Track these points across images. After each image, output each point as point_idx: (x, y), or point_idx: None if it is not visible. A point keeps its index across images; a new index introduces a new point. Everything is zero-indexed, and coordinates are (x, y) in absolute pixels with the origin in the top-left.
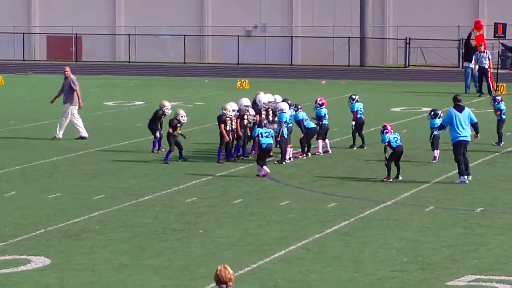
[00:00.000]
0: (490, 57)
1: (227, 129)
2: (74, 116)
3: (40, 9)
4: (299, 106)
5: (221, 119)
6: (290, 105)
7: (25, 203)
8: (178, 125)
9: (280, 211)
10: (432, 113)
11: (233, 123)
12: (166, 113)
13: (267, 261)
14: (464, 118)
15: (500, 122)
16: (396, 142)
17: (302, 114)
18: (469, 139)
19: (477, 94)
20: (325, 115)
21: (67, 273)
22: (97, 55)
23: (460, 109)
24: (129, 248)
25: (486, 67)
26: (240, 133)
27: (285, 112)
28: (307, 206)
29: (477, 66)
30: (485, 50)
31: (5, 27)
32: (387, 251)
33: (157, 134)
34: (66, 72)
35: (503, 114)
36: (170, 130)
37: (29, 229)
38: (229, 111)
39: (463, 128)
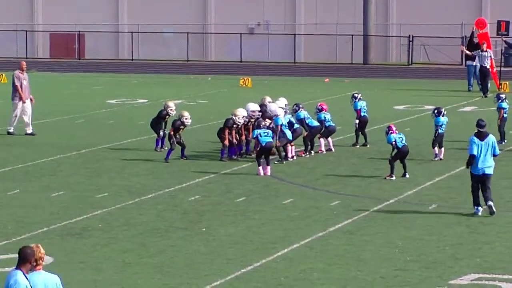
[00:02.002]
0: (492, 56)
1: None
2: (21, 111)
3: (43, 6)
4: (300, 105)
5: (228, 124)
6: (286, 106)
7: (28, 202)
8: (181, 127)
9: (283, 209)
10: (436, 111)
11: (239, 128)
12: (170, 114)
13: (270, 260)
14: (486, 147)
15: (502, 120)
16: (401, 142)
17: (303, 113)
18: (491, 172)
19: (481, 94)
20: (325, 118)
21: (70, 271)
22: (100, 53)
23: (482, 137)
24: (132, 246)
25: (488, 66)
26: (244, 138)
27: (279, 115)
28: (310, 204)
29: (478, 65)
30: (488, 50)
31: (8, 25)
32: (390, 249)
33: (161, 132)
34: (24, 67)
35: (505, 113)
36: (172, 132)
37: (32, 227)
38: (239, 117)
39: (484, 159)
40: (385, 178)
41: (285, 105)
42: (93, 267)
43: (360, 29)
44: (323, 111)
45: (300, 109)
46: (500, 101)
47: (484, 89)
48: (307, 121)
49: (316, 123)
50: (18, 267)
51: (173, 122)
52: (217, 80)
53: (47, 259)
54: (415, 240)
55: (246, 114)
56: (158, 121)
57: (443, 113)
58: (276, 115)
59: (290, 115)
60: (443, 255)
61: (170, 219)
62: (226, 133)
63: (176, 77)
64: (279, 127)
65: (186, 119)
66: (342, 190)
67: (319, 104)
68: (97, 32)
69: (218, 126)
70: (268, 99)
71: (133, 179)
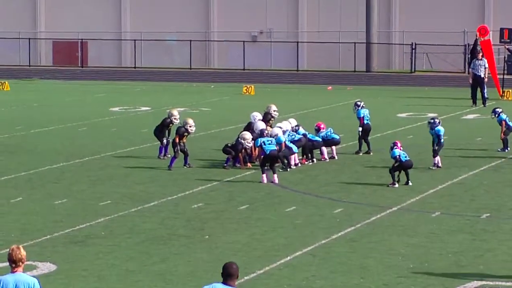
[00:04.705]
0: (487, 65)
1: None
2: None
3: (46, 14)
4: (299, 125)
5: (238, 148)
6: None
7: (32, 209)
8: (185, 134)
9: (286, 217)
10: (435, 121)
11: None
12: (174, 122)
13: (274, 267)
14: None
15: (508, 130)
16: (405, 157)
17: (302, 130)
18: None
19: (470, 104)
20: (327, 135)
21: (73, 279)
22: (103, 61)
23: None
24: (135, 254)
25: (482, 75)
26: (255, 155)
27: (278, 134)
28: (313, 212)
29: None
30: (482, 58)
31: (11, 33)
32: (393, 257)
33: (164, 140)
34: None
35: (509, 121)
36: (177, 140)
37: (35, 235)
38: (248, 141)
39: None
40: (388, 186)
41: (294, 125)
42: (96, 275)
43: (362, 37)
44: (322, 130)
45: (299, 127)
46: (497, 115)
47: (483, 99)
48: (308, 136)
49: (317, 138)
50: (225, 282)
51: (177, 129)
52: (220, 87)
53: (50, 267)
54: (418, 247)
55: (251, 136)
56: (161, 129)
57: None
58: (276, 135)
59: (288, 132)
60: (446, 263)
61: (173, 227)
62: (241, 157)
63: (179, 85)
64: (282, 144)
65: (190, 126)
66: (345, 198)
67: (316, 124)
68: (100, 40)
69: (221, 134)
70: (273, 107)
71: (136, 187)
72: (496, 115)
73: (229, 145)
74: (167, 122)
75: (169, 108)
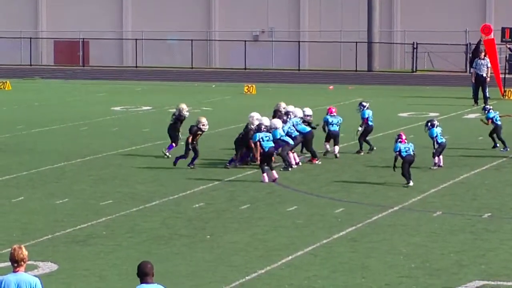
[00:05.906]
0: (489, 65)
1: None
2: None
3: (48, 13)
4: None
5: (250, 135)
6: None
7: (33, 209)
8: (199, 132)
9: (288, 217)
10: (429, 124)
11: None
12: (185, 115)
13: (275, 267)
14: None
15: (497, 129)
16: (406, 151)
17: (302, 126)
18: None
19: (472, 104)
20: (332, 122)
21: (74, 278)
22: (104, 60)
23: None
24: (136, 253)
25: (485, 75)
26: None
27: (277, 128)
28: (315, 212)
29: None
30: (485, 58)
31: (12, 32)
32: (394, 256)
33: (179, 135)
34: None
35: (497, 120)
36: (190, 139)
37: (37, 234)
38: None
39: None
40: (404, 186)
41: (306, 115)
42: (97, 275)
43: (364, 36)
44: (331, 114)
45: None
46: (487, 111)
47: (485, 99)
48: (297, 128)
49: (308, 129)
50: (144, 282)
51: (190, 128)
52: (221, 87)
53: (52, 266)
54: (420, 247)
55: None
56: (174, 126)
57: (437, 125)
58: (276, 128)
59: (291, 123)
60: (447, 262)
61: (175, 227)
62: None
63: (181, 84)
64: (278, 140)
65: (203, 125)
66: (346, 197)
67: (328, 108)
68: (101, 39)
69: (222, 133)
70: (283, 105)
71: (138, 186)
72: (486, 111)
73: (241, 136)
74: (181, 118)
75: (174, 105)
